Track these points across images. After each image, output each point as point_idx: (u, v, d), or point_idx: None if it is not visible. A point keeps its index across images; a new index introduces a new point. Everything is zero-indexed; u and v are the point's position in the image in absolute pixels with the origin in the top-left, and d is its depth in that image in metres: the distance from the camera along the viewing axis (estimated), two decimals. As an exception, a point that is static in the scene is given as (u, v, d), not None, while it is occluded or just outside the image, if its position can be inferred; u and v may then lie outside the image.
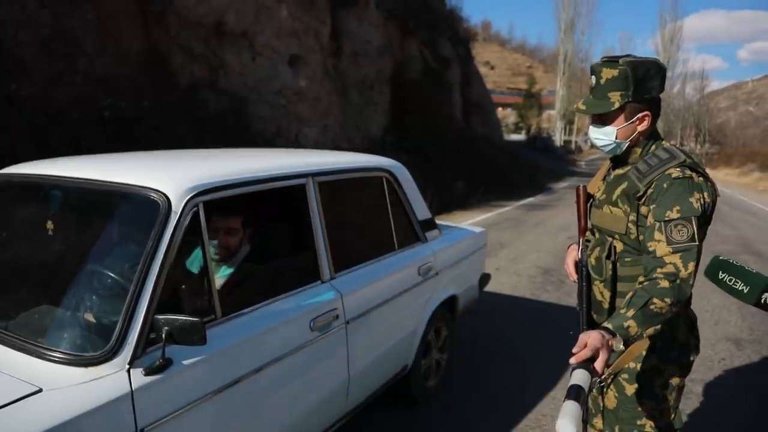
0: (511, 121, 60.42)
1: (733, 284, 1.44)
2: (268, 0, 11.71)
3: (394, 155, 3.84)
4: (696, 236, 1.67)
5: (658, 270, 1.67)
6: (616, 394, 2.02)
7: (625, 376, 1.98)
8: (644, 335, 1.66)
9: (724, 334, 5.32)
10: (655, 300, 1.63)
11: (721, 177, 35.01)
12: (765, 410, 3.83)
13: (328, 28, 13.76)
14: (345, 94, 14.55)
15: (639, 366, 1.94)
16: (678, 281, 1.65)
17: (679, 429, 2.00)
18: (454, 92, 22.41)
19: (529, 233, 10.75)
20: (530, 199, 17.28)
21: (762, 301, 1.40)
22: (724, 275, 1.46)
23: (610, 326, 1.62)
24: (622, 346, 1.61)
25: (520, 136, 49.80)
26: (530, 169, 25.92)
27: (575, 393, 1.44)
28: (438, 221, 4.04)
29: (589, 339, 1.55)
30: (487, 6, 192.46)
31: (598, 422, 2.17)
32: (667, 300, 1.63)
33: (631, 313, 1.63)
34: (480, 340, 4.79)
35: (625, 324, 1.61)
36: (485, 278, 4.50)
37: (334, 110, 13.78)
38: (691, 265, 1.66)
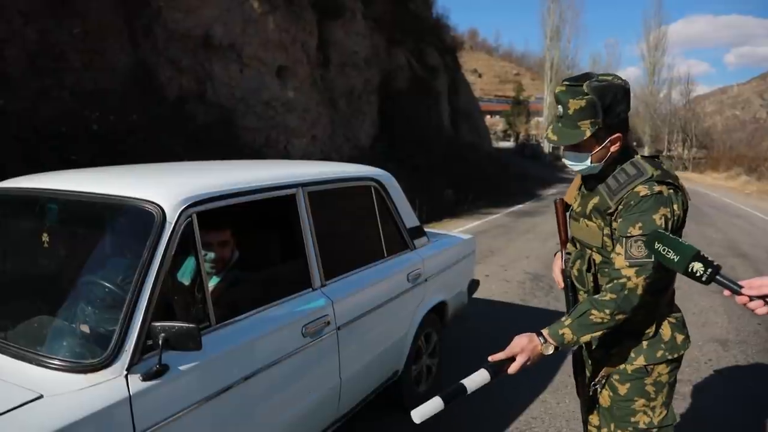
0: (500, 129, 60.67)
1: (666, 253, 1.53)
2: (255, 12, 11.78)
3: (383, 164, 3.91)
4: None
5: (614, 281, 1.80)
6: (610, 394, 2.08)
7: (617, 376, 2.05)
8: (580, 341, 1.82)
9: (711, 336, 5.41)
10: (593, 311, 1.78)
11: (709, 181, 35.36)
12: (751, 410, 3.90)
13: (315, 39, 13.85)
14: (333, 105, 14.63)
15: (628, 367, 2.01)
16: (626, 292, 1.77)
17: (672, 424, 2.05)
18: (441, 101, 22.53)
19: (518, 240, 10.83)
20: (519, 206, 17.38)
21: (689, 269, 1.49)
22: (659, 245, 1.55)
23: (545, 332, 1.81)
24: (551, 350, 1.79)
25: (508, 144, 50.09)
26: (519, 176, 26.08)
27: (450, 391, 1.68)
28: (427, 229, 4.11)
29: (514, 342, 1.79)
30: (473, 14, 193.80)
31: (594, 419, 2.23)
32: (607, 311, 1.77)
33: (568, 321, 1.81)
34: (471, 346, 4.84)
35: (560, 331, 1.80)
36: (474, 284, 4.57)
37: (323, 121, 13.85)
38: (642, 279, 1.77)
